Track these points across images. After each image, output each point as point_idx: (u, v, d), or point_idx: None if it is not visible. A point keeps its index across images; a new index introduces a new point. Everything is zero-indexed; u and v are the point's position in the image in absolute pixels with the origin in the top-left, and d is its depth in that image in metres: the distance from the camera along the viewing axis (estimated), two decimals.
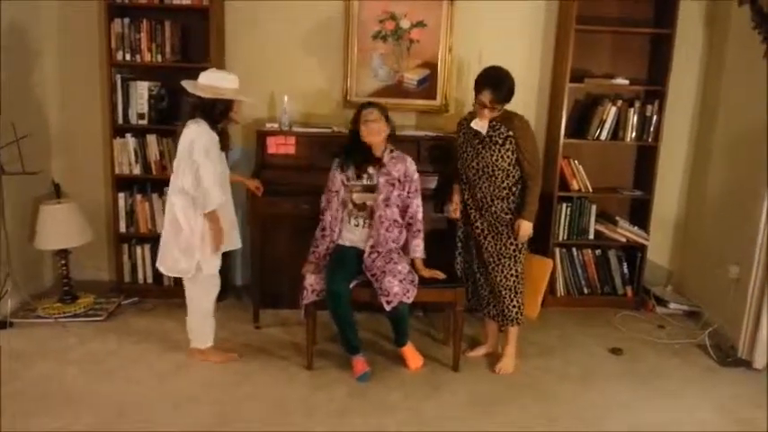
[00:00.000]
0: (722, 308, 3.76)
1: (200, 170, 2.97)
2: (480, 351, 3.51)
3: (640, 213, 4.24)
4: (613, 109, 4.03)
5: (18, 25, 3.79)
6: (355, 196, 3.29)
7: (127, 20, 3.80)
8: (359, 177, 3.28)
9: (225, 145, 3.17)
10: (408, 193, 3.31)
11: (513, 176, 3.20)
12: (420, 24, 4.07)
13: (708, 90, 4.19)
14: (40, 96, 4.06)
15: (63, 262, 3.84)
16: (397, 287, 3.07)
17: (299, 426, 2.80)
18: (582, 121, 4.16)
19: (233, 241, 3.32)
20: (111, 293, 4.06)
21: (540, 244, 3.94)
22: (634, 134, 4.08)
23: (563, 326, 3.93)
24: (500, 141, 3.15)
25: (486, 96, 3.11)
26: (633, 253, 4.25)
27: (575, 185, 4.11)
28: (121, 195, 4.00)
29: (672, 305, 4.18)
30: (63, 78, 4.12)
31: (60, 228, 3.74)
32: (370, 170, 3.28)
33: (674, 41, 3.91)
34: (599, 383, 3.27)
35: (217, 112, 3.06)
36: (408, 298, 3.10)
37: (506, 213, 3.22)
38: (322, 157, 3.74)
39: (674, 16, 3.88)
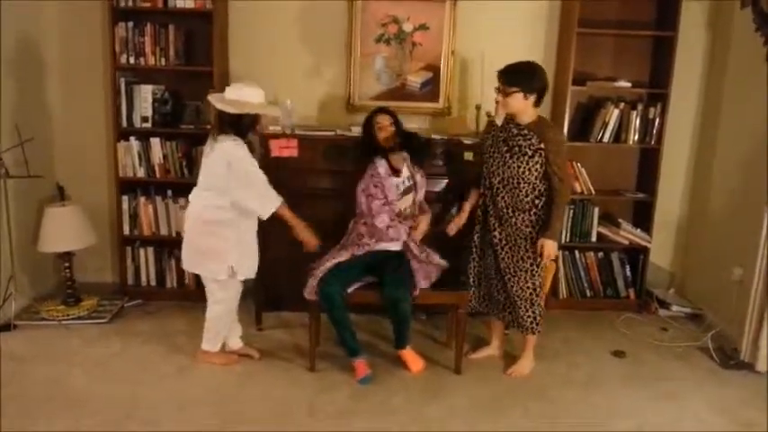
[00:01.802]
0: (725, 310, 3.76)
1: (253, 178, 3.05)
2: (484, 353, 3.50)
3: (643, 216, 4.25)
4: (616, 111, 4.03)
5: (21, 28, 3.81)
6: (396, 203, 3.34)
7: (131, 24, 3.82)
8: (398, 186, 3.35)
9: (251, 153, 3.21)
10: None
11: (539, 190, 3.09)
12: (422, 27, 4.08)
13: (710, 92, 4.19)
14: (43, 100, 4.09)
15: (67, 264, 3.85)
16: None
17: (302, 428, 2.81)
18: (584, 124, 4.16)
19: (249, 269, 3.28)
20: (114, 296, 4.07)
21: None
22: (636, 136, 4.08)
23: (565, 328, 3.93)
24: (529, 153, 3.03)
25: (499, 79, 3.05)
26: (636, 255, 4.24)
27: (577, 188, 4.11)
28: (125, 198, 4.02)
29: (674, 308, 4.18)
30: (67, 82, 4.14)
31: (64, 230, 3.76)
32: (403, 174, 3.35)
33: (677, 44, 3.91)
34: (602, 386, 3.26)
35: (244, 126, 3.10)
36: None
37: (527, 226, 3.12)
38: (325, 160, 3.75)
39: (677, 18, 3.89)
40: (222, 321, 3.30)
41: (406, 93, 4.16)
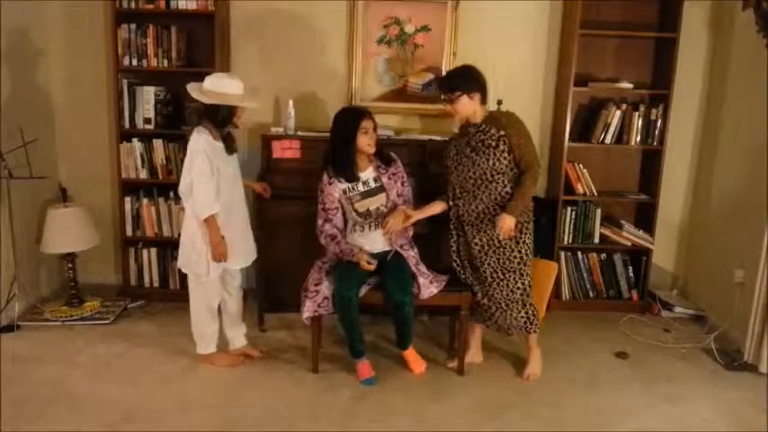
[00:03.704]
0: (728, 312, 3.75)
1: (194, 180, 2.97)
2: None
3: (645, 217, 4.24)
4: (618, 113, 4.03)
5: (24, 30, 3.83)
6: (357, 206, 3.27)
7: (133, 25, 3.82)
8: (353, 188, 3.27)
9: (230, 148, 3.16)
10: (402, 183, 3.34)
11: (514, 180, 3.09)
12: (424, 29, 4.08)
13: (712, 93, 4.19)
14: (47, 101, 4.10)
15: (70, 265, 3.87)
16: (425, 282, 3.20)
17: (304, 429, 2.81)
18: (586, 125, 4.16)
19: (245, 255, 3.29)
20: (117, 297, 4.09)
21: (546, 248, 3.94)
22: (639, 138, 4.08)
23: (568, 330, 3.93)
24: (493, 144, 3.04)
25: (440, 90, 3.15)
26: (638, 257, 4.24)
27: (579, 189, 4.11)
28: (128, 199, 4.03)
29: (677, 309, 4.17)
30: (70, 83, 4.15)
31: (67, 231, 3.77)
32: (362, 176, 3.27)
33: (679, 45, 3.91)
34: (604, 387, 3.26)
35: (220, 118, 3.05)
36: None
37: None
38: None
39: (679, 20, 3.88)
40: (201, 321, 3.25)
41: (407, 94, 4.17)
